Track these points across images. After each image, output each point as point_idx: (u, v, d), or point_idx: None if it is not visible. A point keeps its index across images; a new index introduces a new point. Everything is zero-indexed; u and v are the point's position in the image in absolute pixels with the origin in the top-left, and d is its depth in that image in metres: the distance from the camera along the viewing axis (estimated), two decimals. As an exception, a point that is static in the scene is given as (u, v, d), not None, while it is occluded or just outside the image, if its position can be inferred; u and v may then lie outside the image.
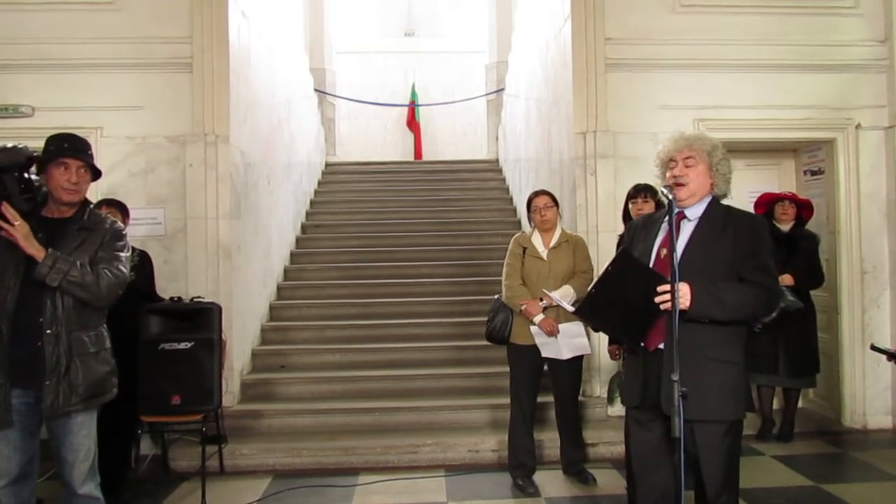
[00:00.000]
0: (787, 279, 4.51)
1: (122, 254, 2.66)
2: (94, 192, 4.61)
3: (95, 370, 2.58)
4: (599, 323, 2.61)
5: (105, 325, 2.70)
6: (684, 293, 2.20)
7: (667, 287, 2.20)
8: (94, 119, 4.64)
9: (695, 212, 2.40)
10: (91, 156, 2.63)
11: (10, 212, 2.40)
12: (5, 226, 2.39)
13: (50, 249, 2.44)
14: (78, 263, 2.49)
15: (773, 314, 3.99)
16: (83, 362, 2.53)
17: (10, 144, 2.48)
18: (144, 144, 4.73)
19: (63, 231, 2.54)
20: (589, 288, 2.48)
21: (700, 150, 2.39)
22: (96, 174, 2.66)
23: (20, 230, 2.40)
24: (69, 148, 2.56)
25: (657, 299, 2.22)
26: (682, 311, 2.19)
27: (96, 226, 2.62)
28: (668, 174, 2.41)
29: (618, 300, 2.35)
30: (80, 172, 2.56)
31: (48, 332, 2.47)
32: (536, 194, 4.01)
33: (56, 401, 2.47)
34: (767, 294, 2.31)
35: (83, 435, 2.56)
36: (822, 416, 5.23)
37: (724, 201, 2.49)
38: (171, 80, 4.74)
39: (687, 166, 2.38)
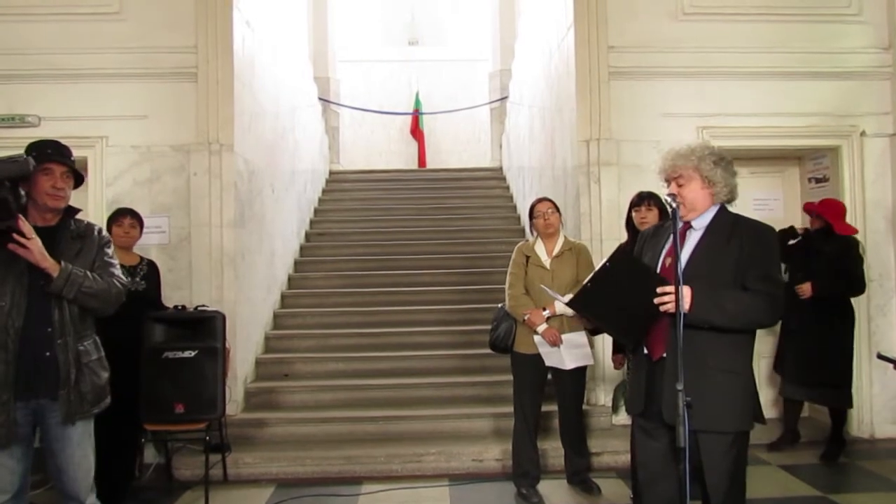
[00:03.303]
0: (807, 289, 4.38)
1: (115, 260, 2.66)
2: (99, 201, 4.68)
3: (100, 376, 2.59)
4: (593, 317, 2.55)
5: (95, 333, 2.67)
6: (684, 296, 2.19)
7: (667, 288, 2.21)
8: (100, 128, 4.66)
9: (701, 222, 2.40)
10: (73, 161, 2.60)
11: (26, 226, 2.35)
12: (22, 241, 2.33)
13: (63, 263, 2.42)
14: (89, 274, 2.48)
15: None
16: (90, 369, 2.54)
17: (12, 154, 2.39)
18: (149, 153, 4.75)
19: (55, 239, 2.49)
20: (585, 282, 2.46)
21: (686, 168, 2.37)
22: (79, 180, 2.62)
23: (35, 245, 2.35)
24: (53, 153, 2.52)
25: (657, 301, 2.22)
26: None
27: (88, 233, 2.61)
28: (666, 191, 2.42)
29: (614, 297, 2.34)
30: (63, 178, 2.53)
31: (59, 341, 2.45)
32: (539, 201, 4.01)
33: (69, 410, 2.46)
34: (770, 302, 2.28)
35: (84, 446, 2.54)
36: (829, 424, 5.17)
37: (728, 207, 2.49)
38: (175, 89, 4.76)
39: (679, 185, 2.38)
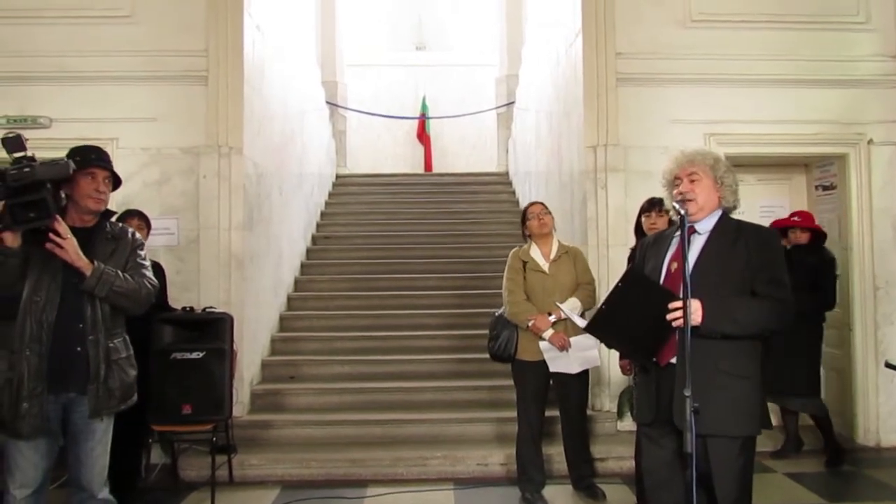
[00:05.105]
0: None
1: (147, 262, 2.76)
2: (109, 202, 4.71)
3: (129, 374, 2.67)
4: (610, 339, 2.58)
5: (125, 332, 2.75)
6: (696, 309, 2.20)
7: (678, 304, 2.21)
8: (110, 130, 4.69)
9: (705, 225, 2.41)
10: (113, 166, 2.71)
11: (62, 227, 2.44)
12: (58, 240, 2.42)
13: (96, 262, 2.50)
14: (120, 274, 2.56)
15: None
16: (119, 367, 2.62)
17: (54, 158, 2.48)
18: (159, 155, 4.79)
19: (91, 240, 2.59)
20: (600, 304, 2.48)
21: (702, 165, 2.40)
22: (117, 184, 2.73)
23: (70, 244, 2.45)
24: (96, 158, 2.64)
25: (668, 316, 2.22)
26: (694, 328, 2.18)
27: (123, 235, 2.71)
28: (674, 192, 2.43)
29: (628, 317, 2.35)
30: (105, 182, 2.64)
31: (90, 337, 2.53)
32: (531, 204, 4.07)
33: (97, 405, 2.53)
34: (781, 307, 2.29)
35: (105, 441, 2.62)
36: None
37: (736, 215, 2.50)
38: (186, 92, 4.80)
39: (692, 181, 2.40)
